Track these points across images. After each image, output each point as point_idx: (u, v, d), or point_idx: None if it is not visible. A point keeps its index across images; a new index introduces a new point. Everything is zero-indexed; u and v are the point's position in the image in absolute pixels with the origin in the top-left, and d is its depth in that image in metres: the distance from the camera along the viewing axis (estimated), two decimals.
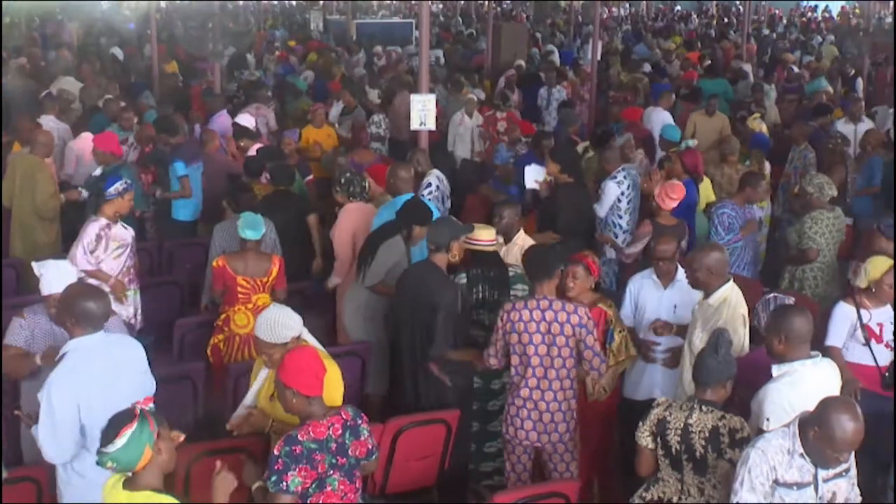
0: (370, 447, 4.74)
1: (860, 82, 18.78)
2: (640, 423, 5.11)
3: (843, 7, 41.43)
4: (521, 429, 6.13)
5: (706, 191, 10.01)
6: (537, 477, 6.36)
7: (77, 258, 7.34)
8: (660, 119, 13.28)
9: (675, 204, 8.31)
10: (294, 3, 39.08)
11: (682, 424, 4.93)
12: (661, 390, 6.58)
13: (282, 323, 5.20)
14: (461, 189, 11.66)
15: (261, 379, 5.40)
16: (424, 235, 7.08)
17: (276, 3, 39.10)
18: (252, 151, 10.61)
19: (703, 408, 4.93)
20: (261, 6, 35.67)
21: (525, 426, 6.11)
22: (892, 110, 13.55)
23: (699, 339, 5.90)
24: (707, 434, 4.87)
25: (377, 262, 7.31)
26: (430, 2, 10.68)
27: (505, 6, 39.64)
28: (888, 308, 6.70)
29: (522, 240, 7.76)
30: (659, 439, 5.02)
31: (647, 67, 20.14)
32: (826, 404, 4.30)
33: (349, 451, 4.59)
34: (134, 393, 4.58)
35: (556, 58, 21.56)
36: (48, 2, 24.90)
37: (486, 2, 25.66)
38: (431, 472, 6.39)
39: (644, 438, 5.08)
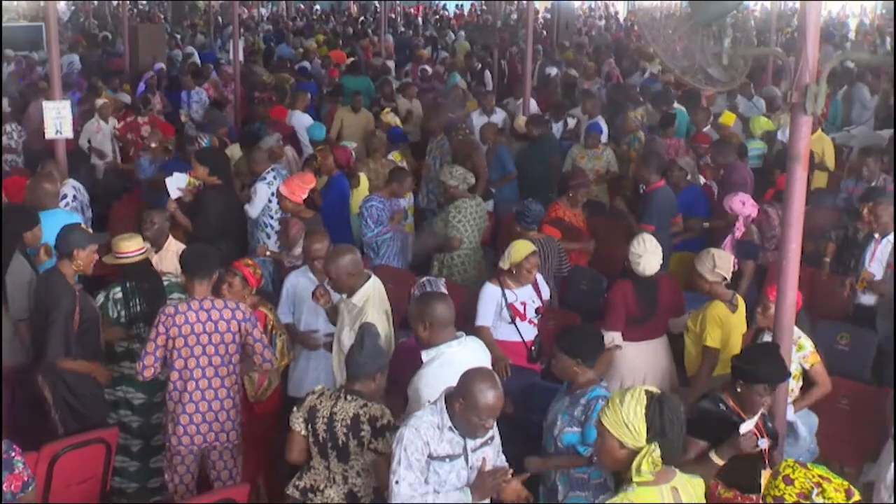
0: (25, 479, 4.46)
1: (489, 75, 19.88)
2: (295, 409, 5.17)
3: (472, 5, 43.73)
4: (185, 434, 5.98)
5: (364, 191, 10.23)
6: (202, 486, 6.24)
7: None
8: (300, 121, 13.42)
9: (305, 194, 8.41)
10: None
11: (328, 413, 5.04)
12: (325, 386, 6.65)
13: None
14: (106, 198, 11.25)
15: None
16: (40, 236, 6.72)
17: None
18: None
19: (349, 397, 5.06)
20: None
21: (189, 430, 5.98)
22: (520, 102, 14.37)
23: (347, 338, 5.89)
24: (349, 422, 4.97)
25: (13, 293, 6.76)
26: (56, 2, 10.19)
27: (141, 6, 38.44)
28: (530, 287, 7.18)
29: (175, 245, 7.61)
30: (309, 427, 5.10)
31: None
32: (466, 376, 4.53)
33: (3, 488, 4.30)
34: None
35: (196, 59, 21.21)
36: None
37: (121, 2, 24.73)
38: (93, 494, 6.11)
39: (298, 424, 5.13)
